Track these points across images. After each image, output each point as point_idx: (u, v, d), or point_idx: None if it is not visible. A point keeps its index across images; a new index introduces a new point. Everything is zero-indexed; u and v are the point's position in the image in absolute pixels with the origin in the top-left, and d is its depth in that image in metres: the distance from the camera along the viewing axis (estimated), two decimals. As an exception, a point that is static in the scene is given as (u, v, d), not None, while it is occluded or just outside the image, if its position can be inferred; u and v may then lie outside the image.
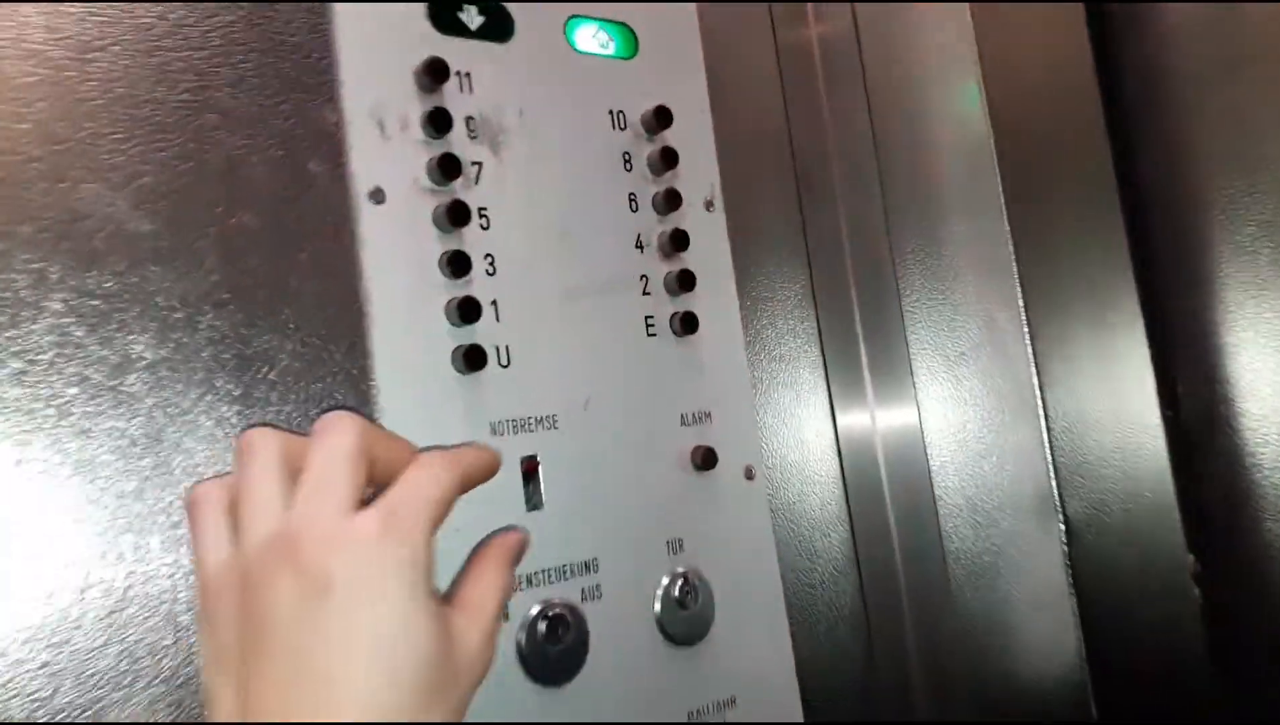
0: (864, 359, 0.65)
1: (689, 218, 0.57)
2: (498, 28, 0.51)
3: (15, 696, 0.36)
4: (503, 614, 0.38)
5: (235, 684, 0.30)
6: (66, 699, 0.37)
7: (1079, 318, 0.56)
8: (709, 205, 0.58)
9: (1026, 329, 0.55)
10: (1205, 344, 0.55)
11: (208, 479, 0.34)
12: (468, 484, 0.37)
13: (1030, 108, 0.60)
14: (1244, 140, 0.55)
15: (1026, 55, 0.61)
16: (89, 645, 0.37)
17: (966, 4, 0.61)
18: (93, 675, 0.37)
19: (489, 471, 0.38)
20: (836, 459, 0.63)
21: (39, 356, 0.37)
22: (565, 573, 0.48)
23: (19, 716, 0.36)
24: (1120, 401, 0.55)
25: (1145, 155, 0.58)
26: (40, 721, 0.36)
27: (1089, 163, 0.58)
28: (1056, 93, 0.60)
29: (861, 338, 0.66)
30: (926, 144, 0.64)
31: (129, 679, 0.37)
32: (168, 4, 0.42)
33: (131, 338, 0.39)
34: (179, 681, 0.38)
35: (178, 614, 0.39)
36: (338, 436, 0.33)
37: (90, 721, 0.37)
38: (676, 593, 0.52)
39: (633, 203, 0.55)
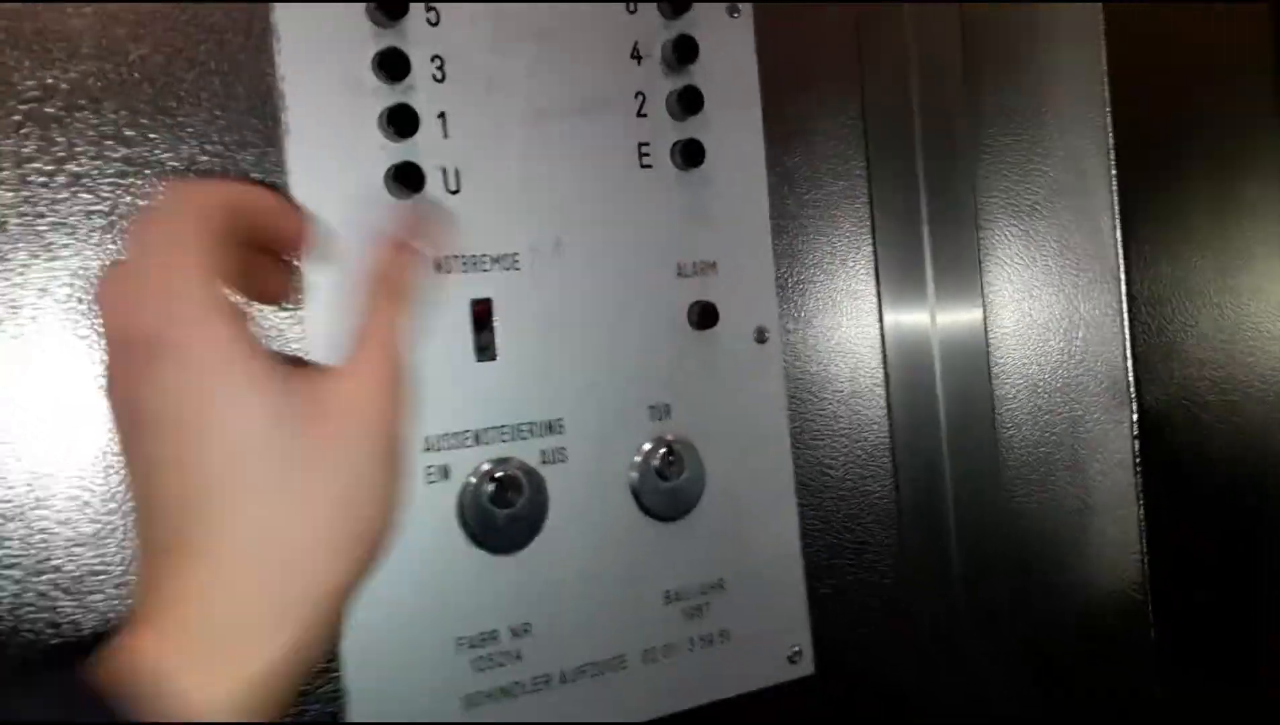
0: (923, 209, 0.55)
1: (704, 21, 0.47)
2: None
3: None
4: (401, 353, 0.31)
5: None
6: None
7: (1188, 163, 0.44)
8: (733, 10, 0.48)
9: (1114, 173, 0.44)
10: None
11: None
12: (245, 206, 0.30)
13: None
14: None
15: None
16: None
17: None
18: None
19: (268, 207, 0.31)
20: (877, 325, 0.54)
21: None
22: (521, 432, 0.42)
23: None
24: (1230, 271, 0.44)
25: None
26: None
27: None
28: None
29: (922, 181, 0.55)
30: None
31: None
32: None
33: (-12, 134, 0.34)
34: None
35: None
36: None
37: None
38: (657, 462, 0.45)
39: (630, 1, 0.45)
